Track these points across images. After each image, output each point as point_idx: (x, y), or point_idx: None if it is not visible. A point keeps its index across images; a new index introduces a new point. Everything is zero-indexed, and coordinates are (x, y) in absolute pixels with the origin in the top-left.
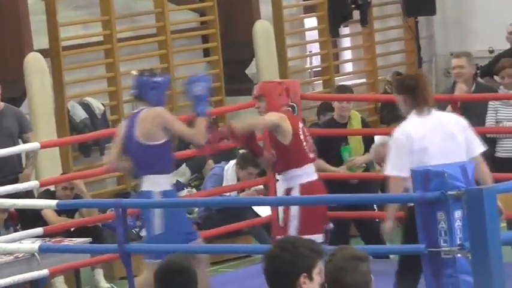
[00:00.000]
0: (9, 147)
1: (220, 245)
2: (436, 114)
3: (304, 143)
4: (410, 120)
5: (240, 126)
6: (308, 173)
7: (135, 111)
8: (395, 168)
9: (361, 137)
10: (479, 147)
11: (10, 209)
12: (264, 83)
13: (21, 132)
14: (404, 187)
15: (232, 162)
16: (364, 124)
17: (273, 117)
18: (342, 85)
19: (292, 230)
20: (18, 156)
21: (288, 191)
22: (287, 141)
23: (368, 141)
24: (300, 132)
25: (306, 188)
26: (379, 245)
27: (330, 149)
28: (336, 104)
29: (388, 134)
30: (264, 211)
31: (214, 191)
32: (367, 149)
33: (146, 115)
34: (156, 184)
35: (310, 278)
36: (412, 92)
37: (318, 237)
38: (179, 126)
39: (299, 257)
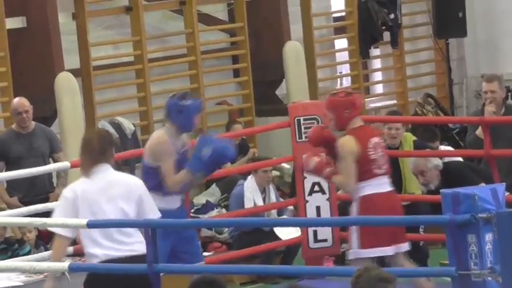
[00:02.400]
0: (39, 166)
1: (249, 266)
2: (110, 175)
3: (372, 158)
4: (81, 179)
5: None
6: (372, 186)
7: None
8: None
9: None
10: (155, 213)
11: (41, 228)
12: (330, 97)
13: (52, 151)
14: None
15: (249, 176)
16: (418, 147)
17: (347, 149)
18: (392, 111)
19: (354, 245)
20: (48, 176)
21: (352, 204)
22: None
23: None
24: (369, 147)
25: (365, 200)
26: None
27: None
28: (385, 131)
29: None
30: (285, 234)
31: (245, 211)
32: None
33: (152, 136)
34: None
35: None
36: (83, 151)
37: (385, 251)
38: (165, 165)
39: None
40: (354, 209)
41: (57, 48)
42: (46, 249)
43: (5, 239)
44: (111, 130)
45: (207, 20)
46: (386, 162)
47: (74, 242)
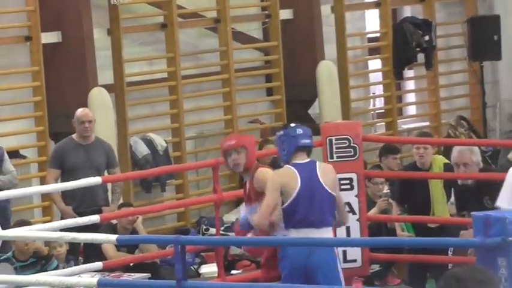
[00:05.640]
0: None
1: (277, 284)
2: None
3: None
4: None
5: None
6: None
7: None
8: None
9: (442, 184)
10: None
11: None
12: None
13: (109, 166)
14: None
15: None
16: (450, 170)
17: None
18: (422, 132)
19: None
20: (104, 189)
21: None
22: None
23: (450, 189)
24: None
25: None
26: None
27: (412, 194)
28: (414, 151)
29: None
30: None
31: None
32: (449, 197)
33: (330, 167)
34: None
35: None
36: None
37: None
38: (266, 198)
39: None
40: None
41: (92, 64)
42: (76, 264)
43: (34, 253)
44: (143, 147)
45: (242, 38)
46: None
47: (105, 258)
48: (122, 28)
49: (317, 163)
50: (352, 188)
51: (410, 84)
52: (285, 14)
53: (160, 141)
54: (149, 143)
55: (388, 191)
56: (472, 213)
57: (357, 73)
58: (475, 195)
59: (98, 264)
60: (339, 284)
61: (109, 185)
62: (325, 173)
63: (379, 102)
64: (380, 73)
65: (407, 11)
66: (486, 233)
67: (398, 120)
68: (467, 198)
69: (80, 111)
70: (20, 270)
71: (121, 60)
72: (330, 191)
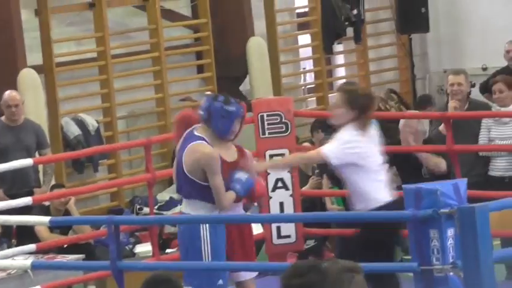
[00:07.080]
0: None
1: (212, 262)
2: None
3: None
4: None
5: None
6: None
7: (192, 134)
8: None
9: None
10: None
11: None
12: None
13: (39, 147)
14: None
15: None
16: (384, 129)
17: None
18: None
19: None
20: (35, 171)
21: None
22: None
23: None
24: None
25: None
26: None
27: None
28: None
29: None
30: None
31: None
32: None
33: (194, 149)
34: (193, 209)
35: None
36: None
37: None
38: (215, 182)
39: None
40: None
41: (20, 45)
42: (9, 246)
43: None
44: (74, 127)
45: (171, 15)
46: None
47: (38, 240)
48: (50, 8)
49: (193, 143)
50: None
51: (340, 59)
52: None
53: (91, 121)
54: (80, 124)
55: (318, 170)
56: (403, 186)
57: (286, 48)
58: (417, 166)
59: (31, 247)
60: (198, 253)
61: (40, 167)
62: (188, 152)
63: (310, 77)
64: (310, 48)
65: None
66: (417, 206)
67: (329, 95)
68: (409, 168)
69: (6, 94)
70: None
71: (50, 40)
72: (184, 169)
